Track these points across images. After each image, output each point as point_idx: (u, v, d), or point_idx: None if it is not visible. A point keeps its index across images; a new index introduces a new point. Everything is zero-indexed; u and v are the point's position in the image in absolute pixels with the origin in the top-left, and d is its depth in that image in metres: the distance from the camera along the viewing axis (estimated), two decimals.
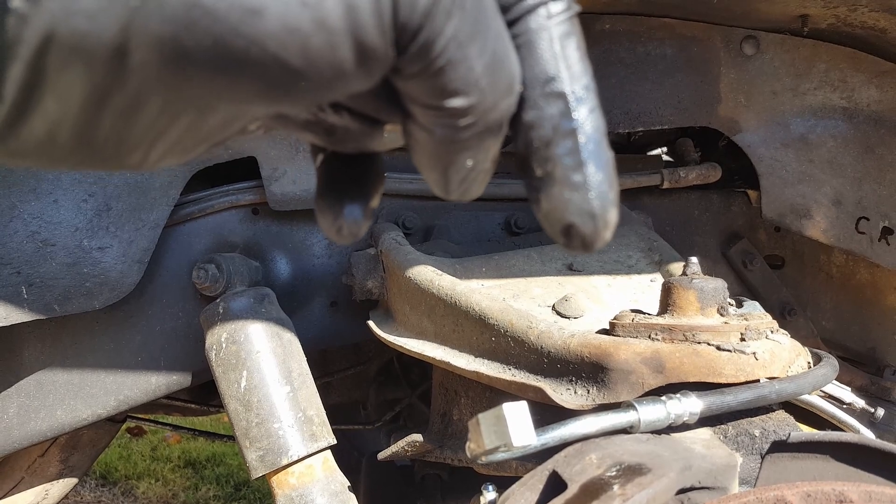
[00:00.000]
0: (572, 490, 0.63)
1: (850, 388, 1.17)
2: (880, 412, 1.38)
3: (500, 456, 0.67)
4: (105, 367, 1.33)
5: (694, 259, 0.92)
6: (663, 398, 0.74)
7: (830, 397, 1.13)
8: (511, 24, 0.36)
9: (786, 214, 1.51)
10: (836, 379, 1.09)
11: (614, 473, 0.63)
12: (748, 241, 1.64)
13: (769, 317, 0.93)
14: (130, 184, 1.24)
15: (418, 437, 1.14)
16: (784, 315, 1.63)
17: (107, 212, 1.23)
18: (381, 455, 1.17)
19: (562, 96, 0.37)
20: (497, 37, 0.34)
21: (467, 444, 0.66)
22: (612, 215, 0.38)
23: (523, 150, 0.38)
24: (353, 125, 0.40)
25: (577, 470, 0.66)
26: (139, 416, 1.80)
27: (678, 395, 0.74)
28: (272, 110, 0.33)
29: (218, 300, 1.27)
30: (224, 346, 1.23)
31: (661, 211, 1.57)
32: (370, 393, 2.02)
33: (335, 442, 1.25)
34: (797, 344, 0.92)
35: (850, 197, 1.51)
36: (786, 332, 0.94)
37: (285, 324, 1.28)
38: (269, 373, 1.23)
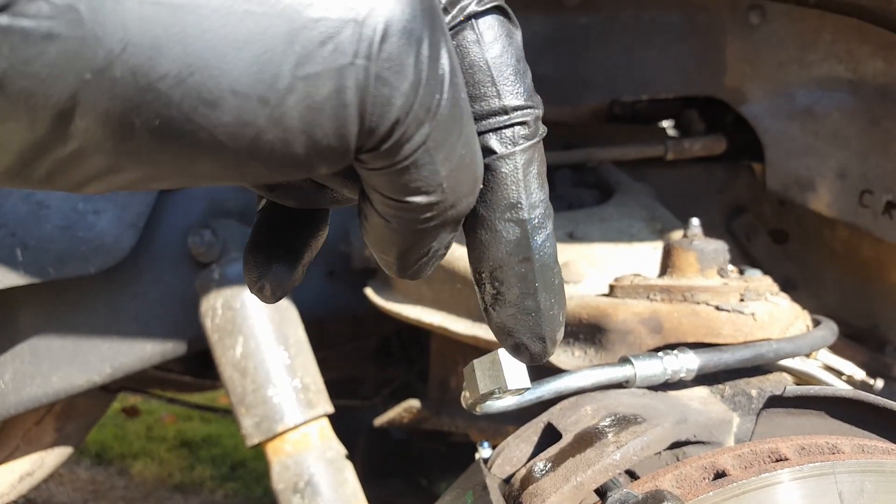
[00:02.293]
0: (567, 439, 0.62)
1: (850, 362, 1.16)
2: (879, 384, 1.36)
3: (495, 405, 0.66)
4: (100, 333, 1.32)
5: (695, 221, 0.91)
6: (660, 354, 0.73)
7: (829, 368, 1.12)
8: (479, 133, 0.36)
9: (790, 186, 1.49)
10: (837, 354, 1.07)
11: (609, 423, 0.62)
12: (752, 214, 1.63)
13: (769, 280, 0.92)
14: None
15: (415, 402, 1.13)
16: (786, 290, 1.61)
17: None
18: (378, 420, 1.16)
19: (521, 223, 0.38)
20: (466, 142, 0.33)
21: (462, 393, 0.65)
22: (560, 335, 0.41)
23: (476, 264, 0.39)
24: (301, 186, 0.39)
25: (572, 421, 0.65)
26: (132, 387, 1.80)
27: (675, 352, 0.73)
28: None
29: (213, 266, 1.26)
30: (220, 312, 1.22)
31: (665, 183, 1.55)
32: (369, 370, 2.01)
33: (332, 410, 1.24)
34: (796, 306, 0.90)
35: (855, 170, 1.49)
36: (786, 296, 0.92)
37: None
38: (264, 339, 1.22)
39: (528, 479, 0.59)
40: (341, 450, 1.22)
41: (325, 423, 1.23)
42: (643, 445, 0.58)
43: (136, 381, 2.10)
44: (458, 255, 1.09)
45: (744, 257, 1.61)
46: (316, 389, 1.24)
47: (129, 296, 1.33)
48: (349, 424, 2.40)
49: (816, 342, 0.83)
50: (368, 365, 2.01)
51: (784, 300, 0.89)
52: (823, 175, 1.50)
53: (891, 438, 0.71)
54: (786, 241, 1.67)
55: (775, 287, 0.91)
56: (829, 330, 0.89)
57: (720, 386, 0.80)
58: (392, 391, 1.98)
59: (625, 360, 0.71)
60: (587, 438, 0.61)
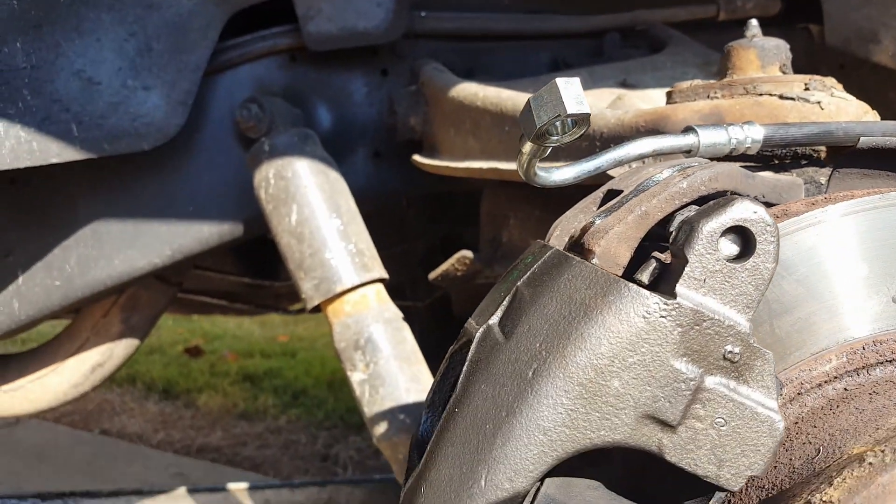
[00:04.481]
0: (628, 190, 0.60)
1: None
2: None
3: (552, 176, 0.64)
4: (158, 217, 1.34)
5: (754, 21, 0.87)
6: (724, 125, 0.70)
7: None
8: None
9: (851, 40, 1.43)
10: None
11: (672, 171, 0.60)
12: None
13: (834, 79, 0.88)
14: (169, 24, 1.23)
15: (468, 253, 1.12)
16: None
17: (148, 52, 1.22)
18: (432, 275, 1.16)
19: None
20: None
21: (518, 155, 0.64)
22: None
23: None
24: None
25: (634, 180, 0.63)
26: (193, 290, 1.83)
27: (740, 124, 0.70)
28: None
29: (263, 139, 1.26)
30: (272, 181, 1.23)
31: (718, 47, 1.49)
32: (417, 273, 2.01)
33: (387, 276, 1.25)
34: (865, 104, 0.86)
35: None
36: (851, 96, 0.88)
37: (330, 162, 1.27)
38: (318, 206, 1.22)
39: (588, 227, 0.58)
40: (398, 312, 1.22)
41: (381, 287, 1.23)
42: (711, 176, 0.56)
43: (199, 308, 2.14)
44: (505, 95, 1.07)
45: None
46: (371, 255, 1.24)
47: (184, 178, 1.35)
48: None
49: (890, 129, 0.79)
50: (416, 271, 2.00)
51: (851, 96, 0.85)
52: (887, 25, 1.43)
53: None
54: None
55: (840, 86, 0.87)
56: None
57: (787, 173, 0.77)
58: (440, 296, 1.98)
59: (688, 129, 0.68)
60: (650, 184, 0.59)
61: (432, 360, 1.35)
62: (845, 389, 0.55)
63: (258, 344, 3.96)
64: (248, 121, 1.26)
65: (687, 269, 0.47)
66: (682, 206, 0.56)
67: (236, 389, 3.44)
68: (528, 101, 0.58)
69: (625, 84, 1.18)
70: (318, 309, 1.20)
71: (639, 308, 0.45)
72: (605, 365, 0.44)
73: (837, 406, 0.53)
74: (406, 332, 1.20)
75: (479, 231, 1.24)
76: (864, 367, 0.55)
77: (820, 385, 0.55)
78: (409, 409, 1.06)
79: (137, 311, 1.52)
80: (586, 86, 1.19)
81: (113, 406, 3.28)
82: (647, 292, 0.46)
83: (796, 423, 0.53)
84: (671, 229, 0.53)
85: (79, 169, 1.24)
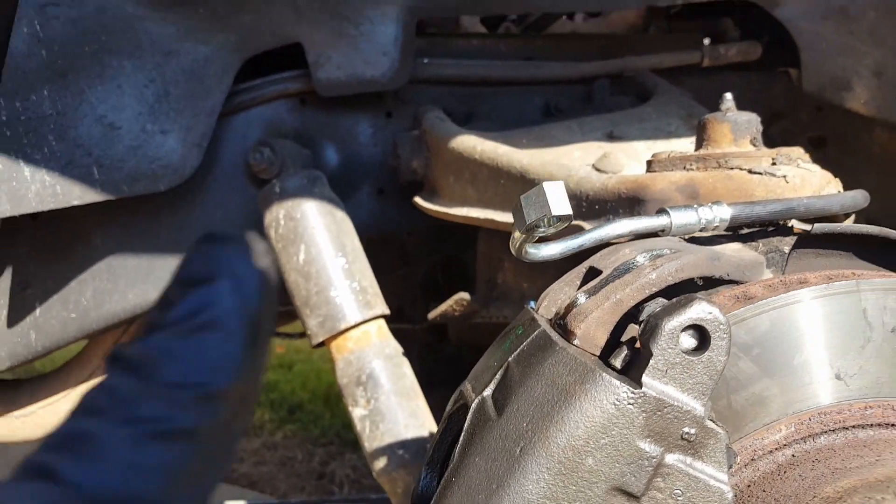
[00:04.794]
0: (606, 273, 0.68)
1: None
2: None
3: (540, 253, 0.73)
4: (171, 252, 1.42)
5: (728, 95, 0.95)
6: (694, 205, 0.78)
7: None
8: None
9: (826, 87, 1.51)
10: None
11: (646, 257, 0.68)
12: (789, 121, 1.65)
13: (801, 149, 0.96)
14: (187, 70, 1.31)
15: (466, 295, 1.20)
16: None
17: (166, 97, 1.30)
18: (431, 314, 1.23)
19: None
20: None
21: (511, 238, 0.72)
22: None
23: None
24: None
25: (612, 261, 0.71)
26: None
27: (709, 204, 0.78)
28: None
29: (274, 181, 1.34)
30: (282, 222, 1.31)
31: (701, 91, 1.58)
32: (416, 295, 2.08)
33: (388, 312, 1.32)
34: (828, 174, 0.94)
35: (892, 67, 1.50)
36: (816, 165, 0.96)
37: (337, 203, 1.35)
38: (324, 246, 1.30)
39: (572, 306, 0.66)
40: (399, 348, 1.30)
41: (383, 323, 1.31)
42: (678, 267, 0.64)
43: None
44: (501, 151, 1.15)
45: None
46: (373, 292, 1.32)
47: (197, 217, 1.42)
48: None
49: (847, 202, 0.87)
50: (416, 293, 2.08)
51: (815, 167, 0.93)
52: (860, 74, 1.51)
53: None
54: (824, 146, 1.69)
55: (807, 156, 0.95)
56: (862, 195, 0.93)
57: (754, 243, 0.85)
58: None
59: (661, 211, 0.77)
60: (625, 269, 0.67)
61: (429, 385, 1.44)
62: (793, 455, 0.63)
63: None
64: (261, 164, 1.34)
65: (651, 361, 0.55)
66: (652, 296, 0.64)
67: None
68: (520, 200, 0.66)
69: (612, 136, 1.27)
70: (321, 344, 1.28)
71: (610, 396, 0.53)
72: (581, 445, 0.52)
73: (785, 472, 0.61)
74: (406, 367, 1.28)
75: (476, 272, 1.32)
76: (809, 436, 0.64)
77: (771, 451, 0.63)
78: (407, 445, 1.14)
79: None
80: (576, 137, 1.27)
81: None
82: (617, 382, 0.54)
83: (749, 486, 0.61)
84: (641, 319, 0.61)
85: (97, 207, 1.31)
